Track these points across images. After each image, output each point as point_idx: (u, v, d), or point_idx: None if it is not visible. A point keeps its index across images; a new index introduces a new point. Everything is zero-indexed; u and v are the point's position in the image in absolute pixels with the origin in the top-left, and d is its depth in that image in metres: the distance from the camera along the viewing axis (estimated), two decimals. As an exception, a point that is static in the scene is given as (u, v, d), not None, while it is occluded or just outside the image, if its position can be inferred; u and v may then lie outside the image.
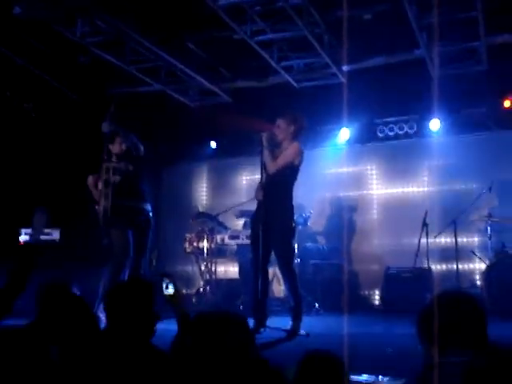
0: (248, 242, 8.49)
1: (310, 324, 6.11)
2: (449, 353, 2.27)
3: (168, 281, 3.40)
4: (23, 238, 8.73)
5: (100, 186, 6.09)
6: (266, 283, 5.89)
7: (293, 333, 5.56)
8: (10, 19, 6.87)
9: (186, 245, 9.02)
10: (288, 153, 5.79)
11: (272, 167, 5.71)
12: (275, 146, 5.92)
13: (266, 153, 5.73)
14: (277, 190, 5.76)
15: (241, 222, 9.20)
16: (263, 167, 5.79)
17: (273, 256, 5.88)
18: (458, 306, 2.41)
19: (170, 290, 3.36)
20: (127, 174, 6.21)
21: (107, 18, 7.14)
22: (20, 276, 3.40)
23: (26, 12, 6.04)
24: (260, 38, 7.52)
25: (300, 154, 5.84)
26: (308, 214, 8.48)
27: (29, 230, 8.59)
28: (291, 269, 5.78)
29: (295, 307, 5.71)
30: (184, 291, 7.15)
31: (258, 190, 5.83)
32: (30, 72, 8.36)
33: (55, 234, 8.99)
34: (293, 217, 5.85)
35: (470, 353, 2.21)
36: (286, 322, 5.78)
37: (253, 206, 8.47)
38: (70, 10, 6.81)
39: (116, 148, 6.28)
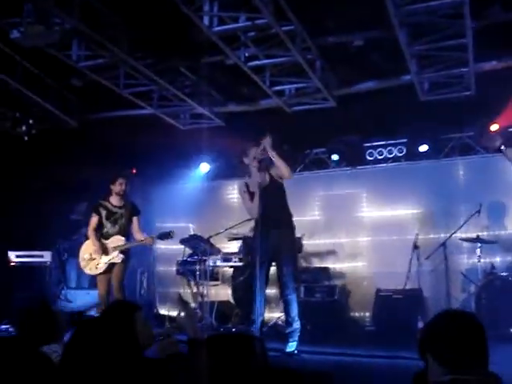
0: (240, 264, 8.61)
1: (304, 346, 6.15)
2: (457, 368, 2.33)
3: (183, 301, 3.48)
4: (13, 259, 8.76)
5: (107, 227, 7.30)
6: (265, 303, 5.94)
7: (291, 353, 5.61)
8: (4, 41, 6.95)
9: (178, 267, 9.06)
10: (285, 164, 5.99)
11: (288, 172, 5.95)
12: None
13: (277, 159, 5.88)
14: (281, 212, 5.88)
15: (233, 244, 9.25)
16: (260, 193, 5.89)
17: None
18: (461, 324, 2.48)
19: (185, 312, 3.42)
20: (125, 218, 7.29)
21: (102, 42, 7.22)
22: None
23: (24, 36, 6.08)
24: (253, 63, 7.65)
25: None
26: (300, 236, 8.54)
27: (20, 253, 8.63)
28: (295, 289, 5.87)
29: (297, 329, 5.75)
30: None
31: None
32: (22, 94, 8.41)
33: (46, 256, 9.01)
34: (295, 235, 6.00)
35: (479, 370, 2.29)
36: (277, 345, 5.82)
37: (244, 229, 8.62)
38: (66, 35, 6.88)
39: (117, 187, 7.29)
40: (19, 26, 6.22)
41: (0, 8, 6.19)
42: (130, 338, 3.12)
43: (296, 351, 5.66)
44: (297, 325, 5.78)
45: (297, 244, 6.06)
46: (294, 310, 5.81)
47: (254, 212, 5.96)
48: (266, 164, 6.03)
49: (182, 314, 3.47)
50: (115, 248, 7.17)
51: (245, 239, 8.61)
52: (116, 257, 7.15)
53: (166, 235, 7.33)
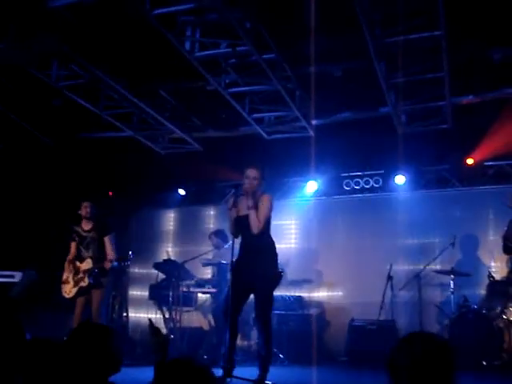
0: (213, 290, 8.55)
1: (276, 375, 6.07)
2: None
3: (154, 328, 3.45)
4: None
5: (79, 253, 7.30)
6: (235, 333, 5.86)
7: (259, 383, 5.53)
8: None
9: (151, 291, 8.98)
10: (267, 208, 5.82)
11: (257, 227, 5.72)
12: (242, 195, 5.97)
13: (252, 212, 5.76)
14: (261, 241, 5.79)
15: (207, 270, 9.19)
16: (239, 220, 5.84)
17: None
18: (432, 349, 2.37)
19: (156, 337, 3.39)
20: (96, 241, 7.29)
21: (82, 63, 7.21)
22: None
23: (4, 54, 6.06)
24: (233, 89, 7.69)
25: (273, 204, 5.95)
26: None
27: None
28: (269, 318, 5.79)
29: (266, 357, 5.68)
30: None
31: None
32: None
33: (17, 277, 8.85)
34: (277, 263, 5.90)
35: None
36: (250, 372, 5.74)
37: (218, 256, 8.59)
38: (46, 54, 6.87)
39: (83, 211, 7.36)
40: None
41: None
42: (96, 361, 3.08)
43: (264, 380, 5.57)
44: (264, 352, 5.70)
45: (275, 272, 5.95)
46: (262, 338, 5.73)
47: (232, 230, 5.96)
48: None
49: (153, 338, 3.44)
50: (84, 272, 7.17)
51: (219, 265, 8.55)
52: (83, 280, 7.14)
53: (122, 258, 7.36)
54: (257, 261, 5.69)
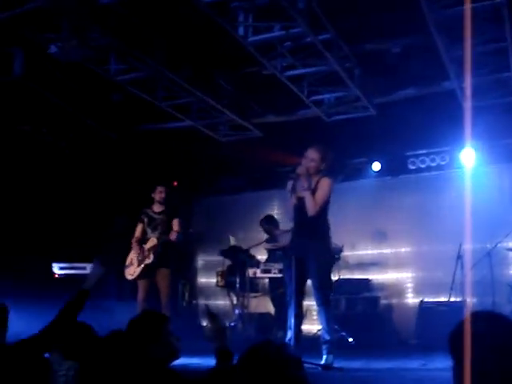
0: (280, 275, 8.50)
1: (344, 358, 6.01)
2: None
3: (212, 314, 3.45)
4: (57, 271, 8.85)
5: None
6: (301, 317, 5.82)
7: (327, 367, 5.47)
8: (45, 58, 7.04)
9: (218, 279, 9.05)
10: (325, 191, 5.74)
11: (313, 209, 5.65)
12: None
13: (306, 193, 5.67)
14: (315, 224, 5.71)
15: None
16: (297, 203, 5.75)
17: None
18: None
19: (213, 324, 3.38)
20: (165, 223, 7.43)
21: (139, 56, 7.28)
22: (68, 316, 3.47)
23: (62, 51, 6.18)
24: (290, 73, 7.58)
25: (332, 188, 5.83)
26: (340, 247, 8.42)
27: (64, 265, 8.69)
28: (328, 301, 5.72)
29: (330, 341, 5.62)
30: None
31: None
32: (63, 109, 8.53)
33: (89, 268, 9.08)
34: (331, 247, 5.83)
35: None
36: (318, 357, 5.70)
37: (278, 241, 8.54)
38: (103, 49, 6.96)
39: (157, 196, 7.53)
40: (57, 41, 6.32)
41: (39, 23, 6.29)
42: (154, 348, 3.11)
43: (332, 365, 5.51)
44: (328, 336, 5.63)
45: (329, 255, 5.88)
46: (324, 322, 5.66)
47: (289, 216, 5.92)
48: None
49: (210, 325, 3.43)
50: (149, 249, 7.27)
51: (284, 250, 8.52)
52: (147, 257, 7.25)
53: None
54: (310, 245, 5.60)
